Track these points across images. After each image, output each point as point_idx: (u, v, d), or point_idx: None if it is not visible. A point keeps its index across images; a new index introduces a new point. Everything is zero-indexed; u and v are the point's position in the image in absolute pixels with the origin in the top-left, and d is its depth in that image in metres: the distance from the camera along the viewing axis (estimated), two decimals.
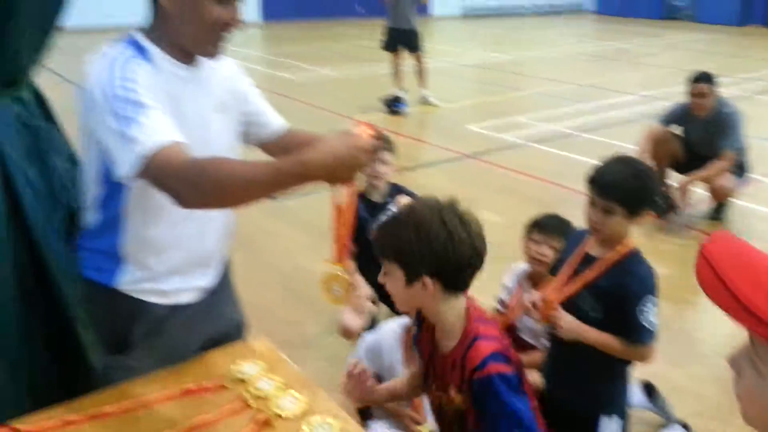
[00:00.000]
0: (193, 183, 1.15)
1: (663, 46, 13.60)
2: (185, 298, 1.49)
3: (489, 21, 18.60)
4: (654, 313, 1.79)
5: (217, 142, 1.42)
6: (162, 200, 1.23)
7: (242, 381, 1.30)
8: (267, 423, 1.18)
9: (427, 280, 1.25)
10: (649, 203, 1.86)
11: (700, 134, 4.08)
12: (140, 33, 1.35)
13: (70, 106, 1.48)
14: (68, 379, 1.51)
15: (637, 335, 1.78)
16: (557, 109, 7.36)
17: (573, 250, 1.96)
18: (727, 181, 3.99)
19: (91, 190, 1.41)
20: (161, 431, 1.16)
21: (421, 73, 7.21)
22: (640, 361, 1.87)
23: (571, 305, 1.85)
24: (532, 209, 3.17)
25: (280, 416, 1.20)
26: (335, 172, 1.14)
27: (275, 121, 1.63)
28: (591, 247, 1.90)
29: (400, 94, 7.06)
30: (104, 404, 1.24)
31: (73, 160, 1.83)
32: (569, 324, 1.83)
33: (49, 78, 8.04)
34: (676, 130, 4.24)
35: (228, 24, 1.33)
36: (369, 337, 2.21)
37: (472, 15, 19.57)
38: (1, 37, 1.44)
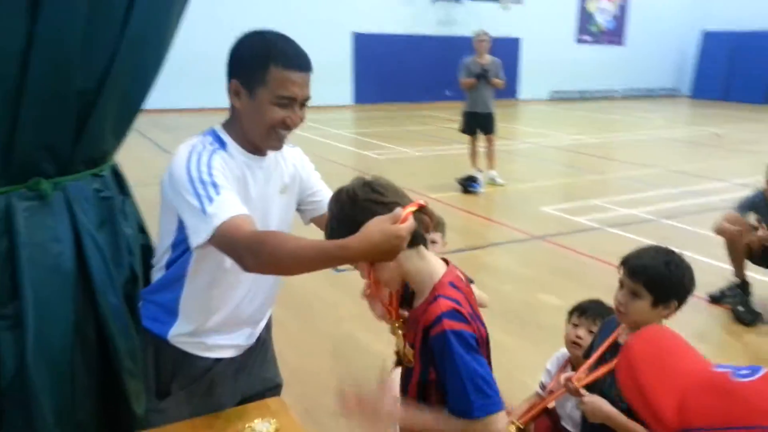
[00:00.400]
0: (253, 251, 1.33)
1: (763, 132, 13.06)
2: (226, 353, 1.66)
3: (578, 104, 18.67)
4: None
5: (276, 218, 1.66)
6: (220, 267, 1.47)
7: None
8: None
9: None
10: (677, 296, 1.84)
11: None
12: (220, 126, 1.60)
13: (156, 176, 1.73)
14: (111, 422, 1.68)
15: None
16: (639, 193, 7.21)
17: (606, 336, 1.96)
18: None
19: (163, 252, 1.63)
20: None
21: (490, 155, 7.44)
22: None
23: (599, 393, 1.84)
24: (593, 294, 3.12)
25: None
26: (373, 256, 1.25)
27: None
28: (621, 334, 1.90)
29: (476, 174, 7.22)
30: None
31: (141, 228, 2.09)
32: (593, 403, 1.82)
33: (148, 147, 8.82)
34: (753, 218, 4.08)
35: (288, 125, 1.53)
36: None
37: (560, 98, 19.72)
38: (85, 125, 1.72)
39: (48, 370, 1.61)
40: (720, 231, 3.98)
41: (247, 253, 1.33)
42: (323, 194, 1.80)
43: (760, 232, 3.76)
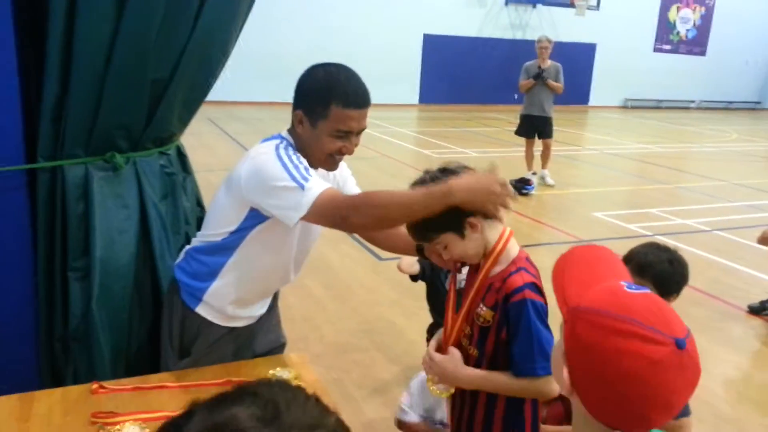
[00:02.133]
0: (359, 209, 1.53)
1: None
2: (242, 323, 1.86)
3: (651, 113, 18.16)
4: None
5: None
6: (271, 248, 1.72)
7: None
8: None
9: (472, 221, 1.46)
10: (678, 289, 1.97)
11: None
12: (287, 133, 1.73)
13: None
14: (154, 364, 1.95)
15: None
16: (698, 205, 7.10)
17: None
18: None
19: (211, 237, 1.76)
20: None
21: (545, 156, 7.53)
22: None
23: None
24: None
25: None
26: (476, 196, 1.41)
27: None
28: None
29: (530, 177, 7.29)
30: (166, 381, 1.66)
31: (198, 203, 2.38)
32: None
33: (218, 135, 9.30)
34: None
35: (343, 152, 1.68)
36: (421, 374, 2.45)
37: (633, 107, 19.23)
38: (156, 109, 2.00)
39: (108, 317, 1.89)
40: (763, 240, 3.96)
41: (352, 212, 1.52)
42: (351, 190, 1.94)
43: None
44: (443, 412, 2.13)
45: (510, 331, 1.45)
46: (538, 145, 7.59)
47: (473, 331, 1.53)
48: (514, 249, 1.52)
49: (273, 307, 2.03)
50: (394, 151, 9.62)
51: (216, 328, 1.80)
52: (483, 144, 10.62)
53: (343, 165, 1.85)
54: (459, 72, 16.93)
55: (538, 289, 1.47)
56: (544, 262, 3.30)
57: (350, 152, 1.68)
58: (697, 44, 20.11)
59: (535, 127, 7.43)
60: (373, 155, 9.14)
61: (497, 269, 1.50)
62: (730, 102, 20.67)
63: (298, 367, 1.76)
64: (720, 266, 4.06)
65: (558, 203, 7.14)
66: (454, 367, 1.50)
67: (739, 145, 12.46)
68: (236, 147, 9.23)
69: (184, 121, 2.26)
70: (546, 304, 1.46)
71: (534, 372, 1.42)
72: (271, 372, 1.71)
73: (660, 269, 1.95)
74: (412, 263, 2.57)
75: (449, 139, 11.10)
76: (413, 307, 3.64)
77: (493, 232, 1.51)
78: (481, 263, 1.53)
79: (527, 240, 5.48)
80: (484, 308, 1.50)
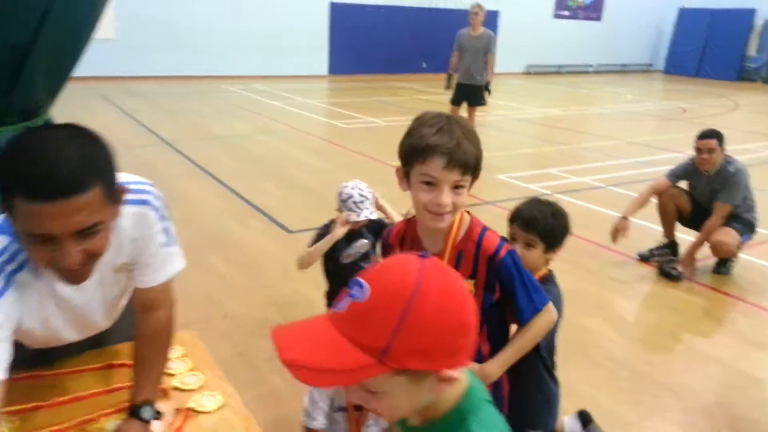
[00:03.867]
0: None
1: (730, 107, 13.35)
2: None
3: (552, 78, 18.82)
4: None
5: None
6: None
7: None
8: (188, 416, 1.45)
9: None
10: (562, 240, 2.05)
11: (703, 190, 4.15)
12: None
13: None
14: None
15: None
16: (594, 163, 7.45)
17: None
18: (726, 236, 4.01)
19: None
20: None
21: (470, 119, 7.62)
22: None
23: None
24: None
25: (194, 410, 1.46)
26: None
27: None
28: None
29: None
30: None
31: None
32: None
33: (114, 113, 8.87)
34: (685, 184, 4.32)
35: (62, 265, 1.16)
36: None
37: (535, 72, 19.86)
38: (18, 78, 1.85)
39: None
40: (614, 233, 4.17)
41: None
42: None
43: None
44: (342, 400, 2.16)
45: (505, 287, 1.50)
46: (463, 112, 7.60)
47: None
48: (466, 215, 1.53)
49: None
50: (303, 123, 9.48)
51: None
52: (393, 113, 10.65)
53: (156, 242, 1.41)
54: (368, 41, 16.84)
55: (505, 240, 1.53)
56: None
57: (70, 265, 1.14)
58: (593, 10, 20.93)
59: (465, 95, 7.52)
60: (281, 128, 8.98)
61: (457, 239, 1.50)
62: (625, 65, 21.75)
63: (188, 344, 1.71)
64: (614, 219, 4.30)
65: None
66: (480, 370, 1.51)
67: (633, 106, 13.17)
68: (134, 124, 8.81)
69: (52, 91, 2.11)
70: None
71: (538, 307, 1.51)
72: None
73: (545, 223, 2.02)
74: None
75: (359, 109, 11.06)
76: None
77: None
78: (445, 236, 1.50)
79: None
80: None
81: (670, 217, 4.35)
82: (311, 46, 16.15)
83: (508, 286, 1.50)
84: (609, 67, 21.38)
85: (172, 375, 1.56)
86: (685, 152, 7.90)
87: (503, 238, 1.53)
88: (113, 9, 11.26)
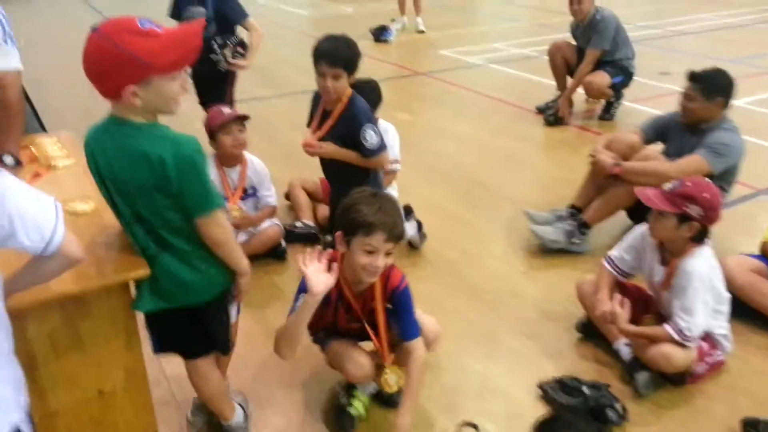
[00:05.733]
0: None
1: None
2: None
3: None
4: (373, 135, 2.49)
5: None
6: None
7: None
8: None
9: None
10: (357, 66, 2.50)
11: (581, 38, 4.66)
12: None
13: None
14: None
15: (366, 151, 2.51)
16: (538, 36, 7.71)
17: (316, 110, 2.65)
18: (596, 77, 4.51)
19: None
20: None
21: (416, 3, 7.95)
22: (379, 167, 2.61)
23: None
24: (445, 113, 4.03)
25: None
26: None
27: None
28: (327, 104, 2.58)
29: (391, 25, 7.74)
30: None
31: None
32: (328, 147, 2.56)
33: None
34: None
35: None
36: None
37: None
38: None
39: None
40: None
41: None
42: None
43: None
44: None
45: (399, 312, 1.96)
46: None
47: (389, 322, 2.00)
48: None
49: None
50: (263, 15, 9.70)
51: None
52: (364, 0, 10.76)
53: None
54: None
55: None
56: (388, 96, 3.52)
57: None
58: None
59: None
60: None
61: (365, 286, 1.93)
62: None
63: (66, 143, 2.34)
64: (525, 80, 4.73)
65: (410, 46, 7.65)
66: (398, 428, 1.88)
67: None
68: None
69: None
70: None
71: (417, 335, 1.95)
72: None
73: (346, 54, 2.45)
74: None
75: None
76: None
77: None
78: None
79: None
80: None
81: (559, 69, 4.83)
82: None
83: (400, 314, 1.94)
84: None
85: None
86: (635, 23, 8.13)
87: (403, 276, 1.95)
88: None
